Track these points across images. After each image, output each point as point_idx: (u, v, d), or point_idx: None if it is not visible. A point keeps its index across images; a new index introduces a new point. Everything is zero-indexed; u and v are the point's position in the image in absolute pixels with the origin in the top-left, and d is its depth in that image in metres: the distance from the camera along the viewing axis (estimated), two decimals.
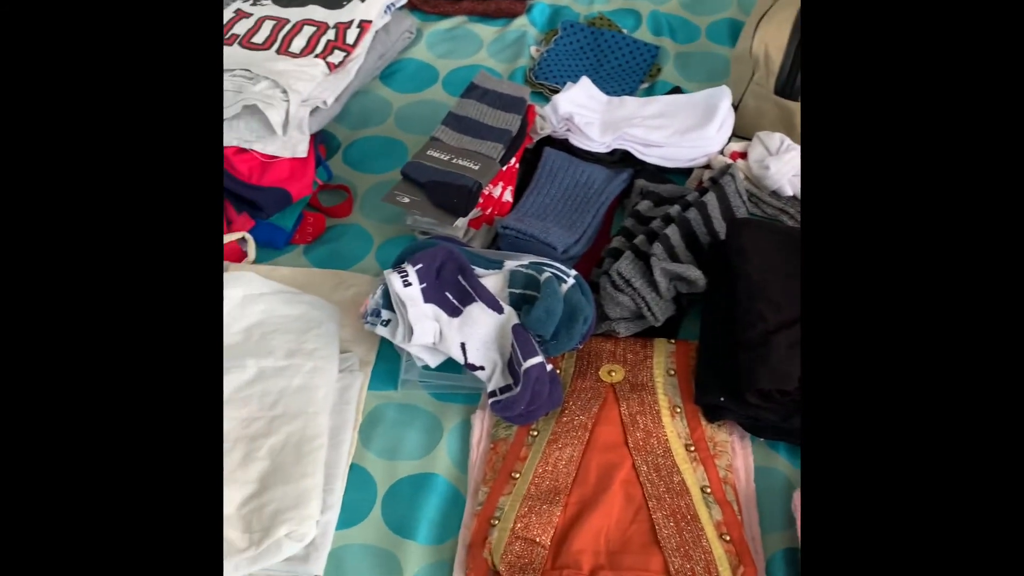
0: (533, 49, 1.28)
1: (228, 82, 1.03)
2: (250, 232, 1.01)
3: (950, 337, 0.52)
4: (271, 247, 1.03)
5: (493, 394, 0.83)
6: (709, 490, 0.77)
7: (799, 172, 1.01)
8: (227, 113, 1.01)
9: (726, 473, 0.79)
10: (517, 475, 0.79)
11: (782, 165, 1.01)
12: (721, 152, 1.07)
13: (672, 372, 0.87)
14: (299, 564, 0.75)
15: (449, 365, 0.87)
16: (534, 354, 0.81)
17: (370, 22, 1.15)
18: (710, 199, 0.96)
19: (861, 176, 0.56)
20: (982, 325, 0.52)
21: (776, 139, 1.04)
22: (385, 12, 1.19)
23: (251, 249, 1.01)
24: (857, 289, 0.55)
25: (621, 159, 1.08)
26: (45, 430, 0.50)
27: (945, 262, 0.53)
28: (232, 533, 0.74)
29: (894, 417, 0.52)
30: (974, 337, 0.52)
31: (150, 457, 0.52)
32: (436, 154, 0.98)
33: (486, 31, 1.31)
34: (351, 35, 1.13)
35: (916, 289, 0.53)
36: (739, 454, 0.82)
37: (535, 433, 0.83)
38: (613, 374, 0.87)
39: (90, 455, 0.51)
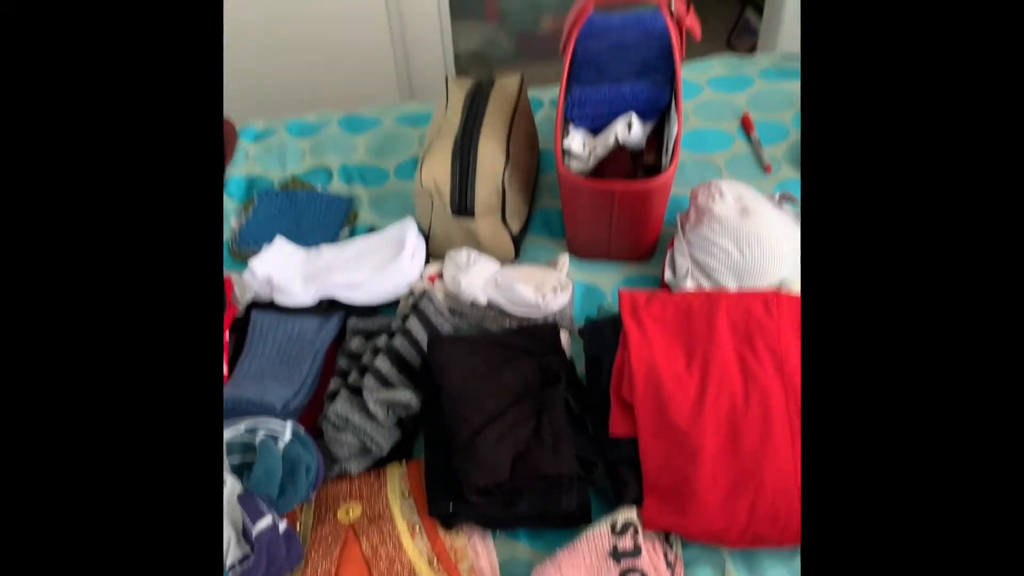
0: (233, 220, 1.32)
1: None
2: None
3: (952, 344, 0.51)
4: None
5: (233, 567, 0.82)
6: None
7: (490, 279, 1.11)
8: None
9: None
10: None
11: (472, 277, 1.10)
12: (421, 278, 1.15)
13: (407, 493, 0.90)
14: None
15: None
16: (261, 516, 0.82)
17: None
18: (413, 323, 1.03)
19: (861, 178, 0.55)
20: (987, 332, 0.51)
21: (463, 255, 1.14)
22: None
23: None
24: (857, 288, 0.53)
25: (331, 305, 1.13)
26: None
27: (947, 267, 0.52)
28: None
29: (892, 419, 0.51)
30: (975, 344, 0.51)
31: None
32: None
33: None
34: None
35: (919, 290, 0.52)
36: (481, 554, 0.85)
37: None
38: (351, 512, 0.89)
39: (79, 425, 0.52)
